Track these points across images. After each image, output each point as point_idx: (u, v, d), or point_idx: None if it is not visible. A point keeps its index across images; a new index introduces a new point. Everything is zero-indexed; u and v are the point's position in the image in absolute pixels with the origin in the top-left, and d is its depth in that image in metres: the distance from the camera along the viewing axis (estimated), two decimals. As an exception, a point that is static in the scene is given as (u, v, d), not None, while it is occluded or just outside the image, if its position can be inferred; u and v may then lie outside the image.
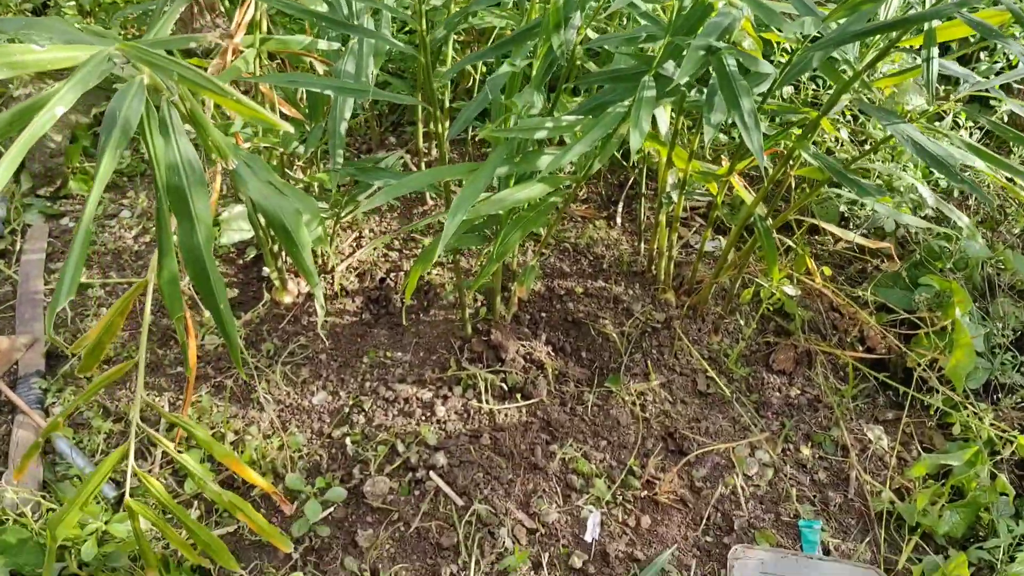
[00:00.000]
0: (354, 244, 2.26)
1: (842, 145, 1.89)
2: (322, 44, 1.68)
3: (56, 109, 0.82)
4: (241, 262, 2.23)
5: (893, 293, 1.92)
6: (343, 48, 1.64)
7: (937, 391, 1.75)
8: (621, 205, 2.34)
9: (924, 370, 1.78)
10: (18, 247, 2.25)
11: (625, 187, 2.40)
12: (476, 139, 2.50)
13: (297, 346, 1.98)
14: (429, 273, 2.16)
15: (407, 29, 2.42)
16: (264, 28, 1.71)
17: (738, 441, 1.77)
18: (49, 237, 2.29)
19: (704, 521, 1.66)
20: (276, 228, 1.30)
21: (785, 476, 1.74)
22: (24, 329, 2.05)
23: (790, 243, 1.87)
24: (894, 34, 1.39)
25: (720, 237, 2.25)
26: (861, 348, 1.94)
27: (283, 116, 1.94)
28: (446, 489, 1.69)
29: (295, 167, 2.01)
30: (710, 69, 1.39)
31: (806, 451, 1.78)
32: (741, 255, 1.85)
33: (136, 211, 2.36)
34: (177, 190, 1.10)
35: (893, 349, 1.86)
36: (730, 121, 1.40)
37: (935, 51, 1.41)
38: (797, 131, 1.63)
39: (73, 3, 2.56)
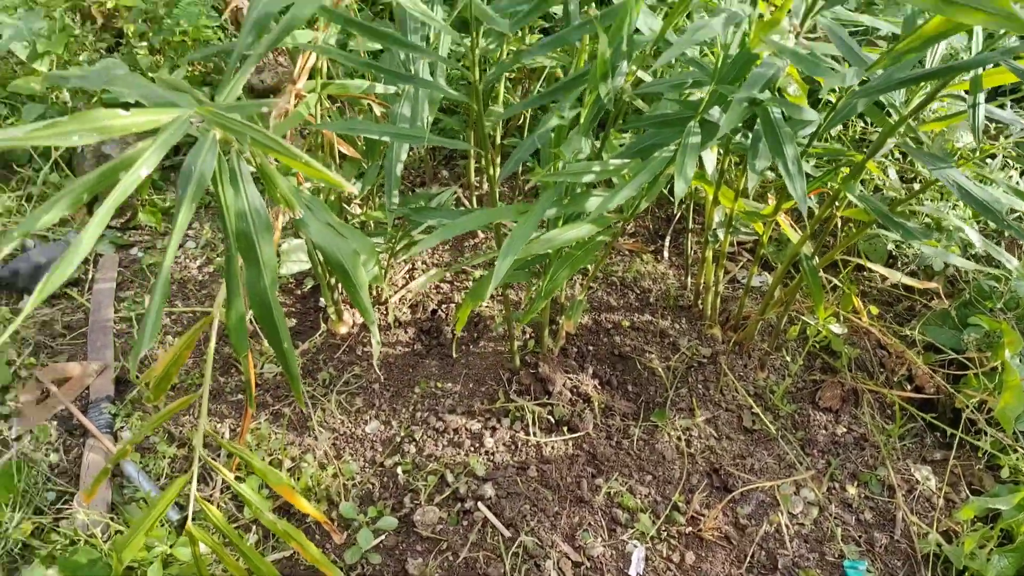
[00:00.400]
0: (407, 276, 2.33)
1: (888, 183, 1.90)
2: (379, 88, 1.76)
3: (141, 171, 0.89)
4: (299, 292, 2.32)
5: (942, 332, 1.92)
6: (399, 91, 1.71)
7: (986, 433, 1.74)
8: (668, 239, 2.37)
9: (973, 411, 1.77)
10: (90, 276, 2.37)
11: (672, 221, 2.43)
12: (525, 173, 2.56)
13: (352, 376, 2.05)
14: (479, 305, 2.22)
15: (461, 65, 2.49)
16: (324, 72, 1.80)
17: (783, 479, 1.79)
18: (119, 267, 2.41)
19: (748, 559, 1.67)
20: (335, 268, 1.37)
21: (830, 515, 1.74)
22: (95, 356, 2.15)
23: (836, 282, 1.88)
24: (939, 81, 1.40)
25: (766, 272, 2.26)
26: (909, 387, 1.93)
27: (341, 155, 2.03)
28: (494, 520, 1.73)
29: (352, 202, 2.09)
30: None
31: (852, 490, 1.79)
32: (787, 292, 1.87)
33: (200, 242, 2.47)
34: (245, 236, 1.17)
35: (941, 389, 1.85)
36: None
37: (982, 97, 1.43)
38: (844, 171, 1.65)
39: (145, 44, 2.70)
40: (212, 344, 1.40)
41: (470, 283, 2.29)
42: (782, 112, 1.37)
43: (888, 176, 1.80)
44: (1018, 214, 1.82)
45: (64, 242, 2.38)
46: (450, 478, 1.81)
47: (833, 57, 1.52)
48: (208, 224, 2.52)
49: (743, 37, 1.42)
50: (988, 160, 1.83)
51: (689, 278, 2.23)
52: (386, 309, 2.20)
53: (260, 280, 1.19)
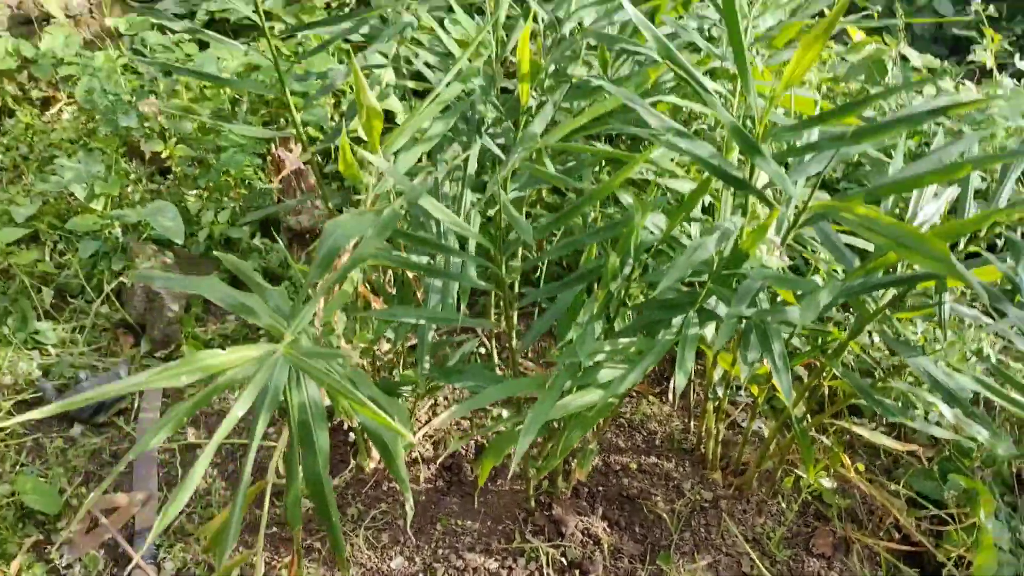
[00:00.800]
0: (430, 412, 2.51)
1: (874, 345, 2.09)
2: (413, 257, 1.97)
3: (237, 411, 1.08)
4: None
5: (926, 485, 2.07)
6: (432, 262, 1.93)
7: (967, 588, 1.88)
8: (672, 381, 2.55)
9: (954, 565, 1.92)
10: (136, 405, 2.56)
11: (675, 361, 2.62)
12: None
13: (378, 512, 2.21)
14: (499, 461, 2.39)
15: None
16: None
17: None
18: (163, 398, 2.59)
19: None
20: (375, 441, 1.55)
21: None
22: (140, 486, 2.32)
23: (826, 440, 2.06)
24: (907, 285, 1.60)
25: (763, 420, 2.44)
26: (897, 536, 2.08)
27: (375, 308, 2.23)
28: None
29: (385, 353, 2.29)
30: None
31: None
32: (782, 447, 2.04)
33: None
34: (304, 424, 1.36)
35: (925, 541, 2.00)
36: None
37: (947, 296, 1.63)
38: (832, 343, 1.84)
39: (194, 191, 2.94)
40: (265, 515, 1.57)
41: (488, 420, 2.46)
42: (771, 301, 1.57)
43: (873, 341, 1.99)
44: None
45: (115, 374, 2.57)
46: (469, 618, 1.95)
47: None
48: (246, 356, 2.71)
49: (735, 240, 1.62)
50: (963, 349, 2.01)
51: (692, 422, 2.40)
52: (410, 446, 2.38)
53: (315, 464, 1.37)
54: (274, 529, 2.20)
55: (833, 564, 2.07)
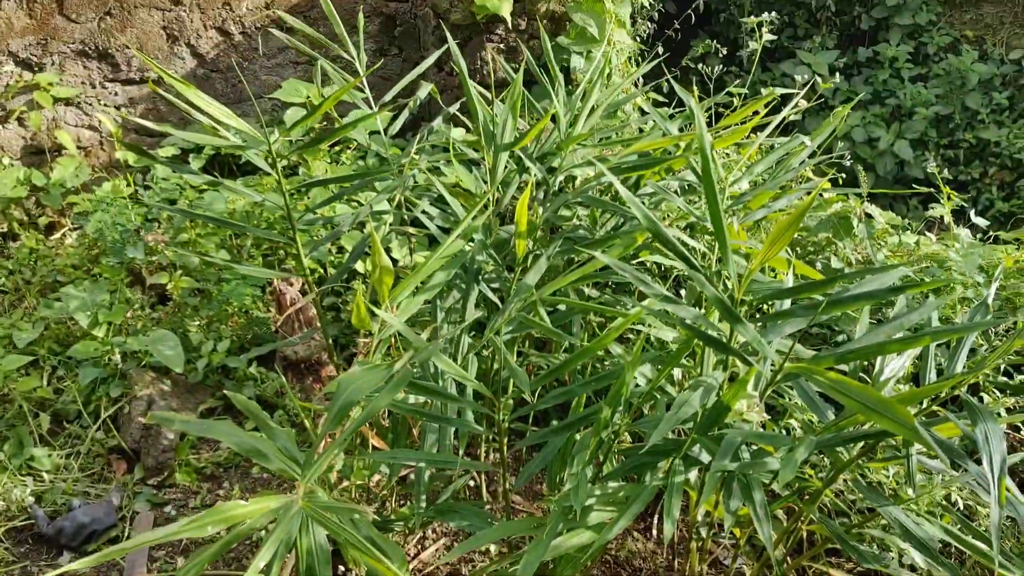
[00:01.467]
0: (418, 546, 2.55)
1: (847, 490, 2.20)
2: (411, 399, 2.08)
3: (260, 563, 1.16)
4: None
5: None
6: (429, 403, 2.03)
7: None
8: (656, 518, 2.62)
9: None
10: (126, 533, 2.58)
11: (659, 497, 2.69)
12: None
13: None
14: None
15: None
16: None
17: None
18: (155, 524, 2.62)
19: None
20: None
21: None
22: (127, 617, 2.33)
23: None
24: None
25: (747, 560, 2.51)
26: None
27: (373, 447, 2.32)
28: None
29: (378, 486, 2.35)
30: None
31: None
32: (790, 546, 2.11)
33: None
34: (311, 568, 1.43)
35: None
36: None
37: (914, 449, 1.75)
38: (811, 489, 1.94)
39: (196, 321, 3.04)
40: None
41: (476, 555, 2.51)
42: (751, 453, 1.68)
43: (848, 485, 2.10)
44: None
45: (107, 502, 2.61)
46: None
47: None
48: (238, 484, 2.76)
49: (717, 393, 1.75)
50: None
51: (676, 559, 2.46)
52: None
53: (320, 607, 1.43)
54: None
55: None
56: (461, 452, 2.01)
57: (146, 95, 4.03)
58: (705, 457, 1.83)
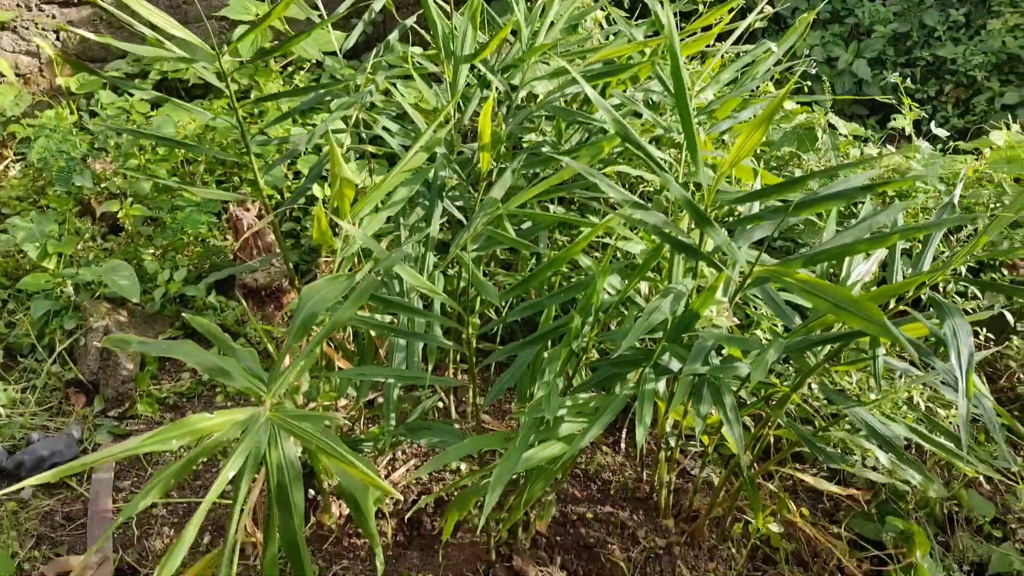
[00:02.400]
0: (388, 467, 2.55)
1: (813, 395, 2.23)
2: (378, 317, 2.04)
3: (229, 474, 1.13)
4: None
5: (865, 527, 2.20)
6: (396, 322, 2.00)
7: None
8: (625, 431, 2.65)
9: (894, 604, 2.03)
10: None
11: (628, 412, 2.71)
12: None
13: (340, 568, 2.23)
14: (452, 496, 2.44)
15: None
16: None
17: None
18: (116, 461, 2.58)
19: None
20: (347, 499, 1.59)
21: None
22: (92, 546, 2.30)
23: (771, 488, 2.17)
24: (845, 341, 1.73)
25: (714, 468, 2.55)
26: (840, 577, 2.19)
27: (339, 369, 2.28)
28: None
29: (345, 409, 2.33)
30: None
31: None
32: (732, 493, 2.14)
33: (194, 431, 2.66)
34: (281, 485, 1.40)
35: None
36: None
37: (881, 350, 1.76)
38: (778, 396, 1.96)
39: (151, 250, 2.95)
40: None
41: (446, 473, 2.51)
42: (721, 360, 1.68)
43: (813, 392, 2.13)
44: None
45: (68, 435, 2.55)
46: (433, 671, 1.98)
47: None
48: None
49: (686, 301, 1.74)
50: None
51: (644, 471, 2.49)
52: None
53: (291, 523, 1.42)
54: (235, 588, 2.20)
55: (782, 607, 2.17)
56: (429, 371, 1.98)
57: (86, 17, 3.83)
58: (675, 365, 1.82)
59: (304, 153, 2.39)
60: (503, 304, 1.66)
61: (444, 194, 2.11)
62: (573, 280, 2.16)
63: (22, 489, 2.46)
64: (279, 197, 3.19)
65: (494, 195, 1.97)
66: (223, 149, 3.00)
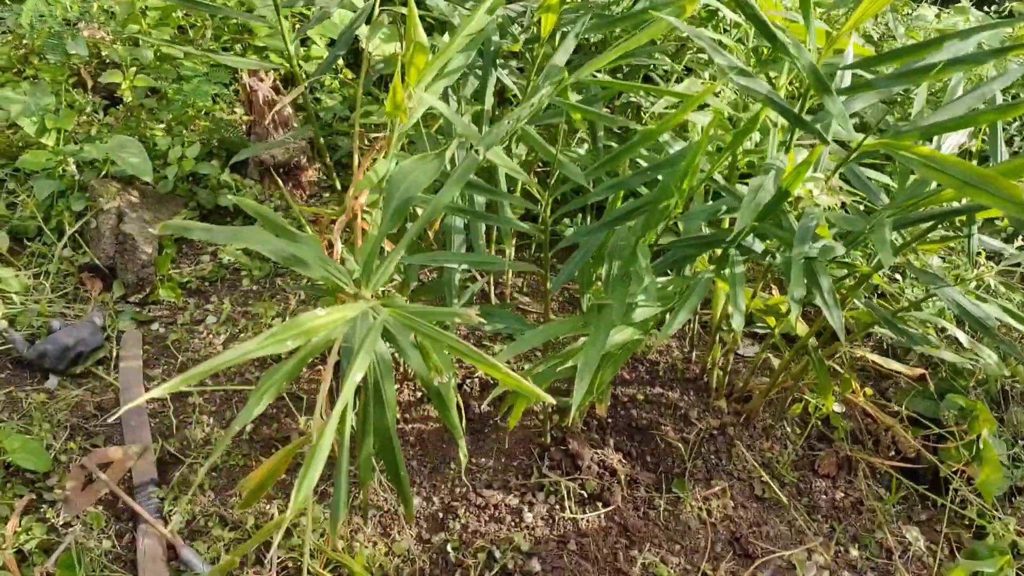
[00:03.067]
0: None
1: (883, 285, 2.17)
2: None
3: (357, 376, 1.03)
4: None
5: (923, 404, 2.18)
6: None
7: (969, 501, 2.01)
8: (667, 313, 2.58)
9: (954, 478, 2.03)
10: (115, 354, 2.43)
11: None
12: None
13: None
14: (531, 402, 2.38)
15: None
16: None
17: (796, 545, 2.01)
18: (144, 344, 2.47)
19: (772, 621, 1.89)
20: (431, 392, 1.51)
21: (838, 577, 1.98)
22: (133, 437, 2.22)
23: (836, 367, 2.13)
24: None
25: (754, 343, 2.50)
26: (896, 456, 2.19)
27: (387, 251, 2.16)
28: None
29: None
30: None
31: (855, 552, 2.03)
32: (794, 375, 2.10)
33: (221, 317, 2.55)
34: (375, 384, 1.31)
35: (925, 458, 2.11)
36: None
37: (975, 228, 1.68)
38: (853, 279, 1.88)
39: (161, 124, 2.75)
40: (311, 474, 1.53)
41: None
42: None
43: (882, 279, 2.06)
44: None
45: (90, 322, 2.43)
46: (497, 554, 1.97)
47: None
48: (227, 298, 2.60)
49: (776, 179, 1.62)
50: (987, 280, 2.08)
51: (693, 352, 2.44)
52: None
53: (384, 418, 1.34)
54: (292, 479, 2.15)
55: (838, 483, 2.17)
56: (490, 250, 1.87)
57: None
58: (758, 246, 1.73)
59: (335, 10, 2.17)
60: (588, 183, 1.53)
61: (497, 64, 1.94)
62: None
63: (46, 379, 2.36)
64: (287, 67, 2.97)
65: (557, 62, 1.81)
66: (235, 6, 2.74)
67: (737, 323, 1.50)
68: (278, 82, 2.69)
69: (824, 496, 2.14)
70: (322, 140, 2.28)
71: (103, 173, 2.69)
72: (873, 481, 2.18)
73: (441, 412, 1.53)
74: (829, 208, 1.53)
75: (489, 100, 1.92)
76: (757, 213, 1.39)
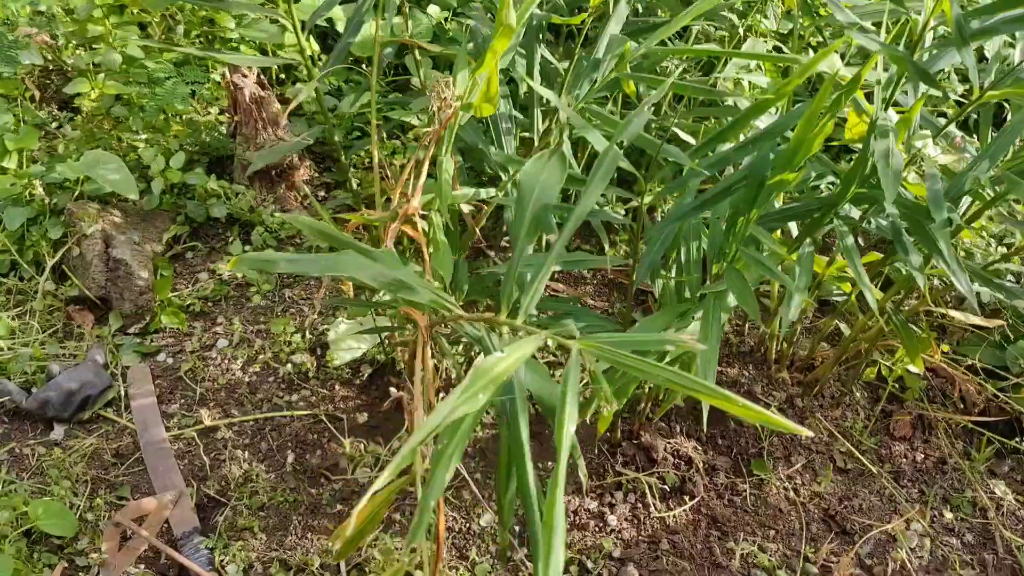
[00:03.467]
0: (468, 352, 2.31)
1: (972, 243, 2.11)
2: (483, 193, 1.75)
3: (569, 426, 0.88)
4: (359, 382, 2.26)
5: (993, 355, 2.14)
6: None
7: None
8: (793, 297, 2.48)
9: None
10: (122, 392, 2.20)
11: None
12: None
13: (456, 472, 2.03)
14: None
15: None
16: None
17: (889, 514, 1.95)
18: (154, 378, 2.24)
19: (885, 598, 1.82)
20: (546, 409, 1.37)
21: (940, 543, 1.92)
22: (163, 484, 2.02)
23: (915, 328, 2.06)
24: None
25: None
26: (971, 411, 2.14)
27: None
28: None
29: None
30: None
31: (948, 515, 1.97)
32: (868, 339, 2.02)
33: (234, 339, 2.34)
34: (514, 417, 1.17)
35: (1003, 409, 2.07)
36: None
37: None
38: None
39: (142, 137, 2.49)
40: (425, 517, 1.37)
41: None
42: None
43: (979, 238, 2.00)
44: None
45: (91, 361, 2.19)
46: (590, 564, 1.85)
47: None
48: (237, 318, 2.39)
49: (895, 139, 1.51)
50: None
51: (746, 325, 2.34)
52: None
53: (523, 456, 1.19)
54: (338, 507, 1.98)
55: (915, 445, 2.11)
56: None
57: None
58: (855, 213, 1.63)
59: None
60: (694, 159, 1.39)
61: (542, 37, 1.78)
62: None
63: (51, 430, 2.13)
64: (277, 59, 2.73)
65: (611, 31, 1.67)
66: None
67: (872, 301, 1.40)
68: (262, 77, 2.46)
69: (905, 459, 2.08)
70: (337, 139, 2.09)
71: (76, 194, 2.43)
72: (950, 439, 2.13)
73: (557, 432, 1.39)
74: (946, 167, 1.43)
75: (536, 79, 1.76)
76: (896, 181, 1.28)
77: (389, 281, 1.17)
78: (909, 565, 1.86)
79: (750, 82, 1.82)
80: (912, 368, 2.01)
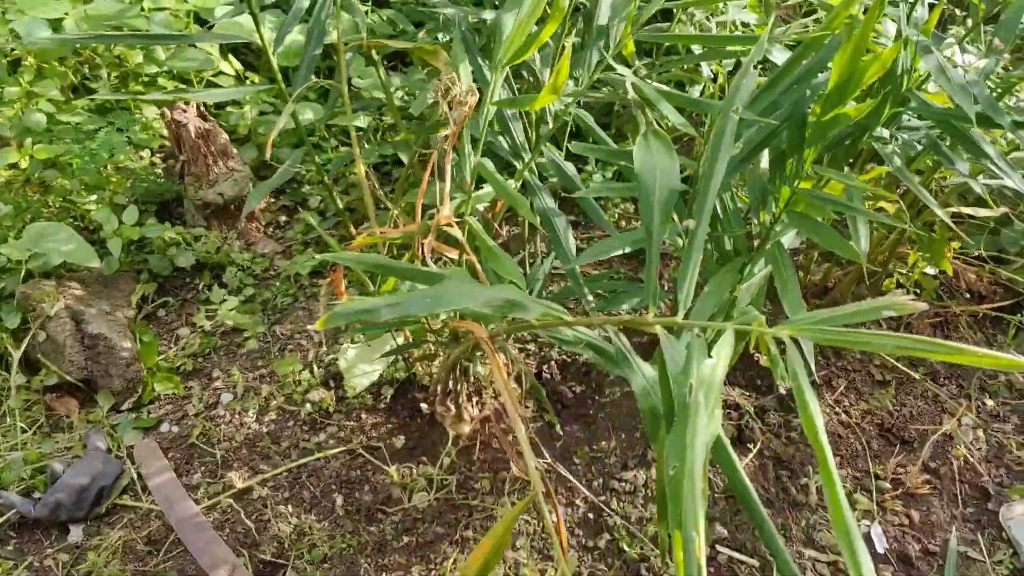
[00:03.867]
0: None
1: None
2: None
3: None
4: (383, 405, 2.16)
5: (986, 239, 2.21)
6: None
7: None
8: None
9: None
10: (135, 474, 2.04)
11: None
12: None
13: (512, 476, 1.97)
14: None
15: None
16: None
17: (938, 414, 2.00)
18: (164, 451, 2.08)
19: (959, 497, 1.87)
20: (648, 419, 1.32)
21: (992, 431, 1.98)
22: (210, 560, 1.88)
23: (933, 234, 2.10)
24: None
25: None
26: (979, 299, 2.22)
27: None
28: (738, 556, 1.79)
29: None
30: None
31: (989, 402, 2.04)
32: (886, 249, 2.05)
33: (238, 391, 2.19)
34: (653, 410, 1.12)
35: (1010, 293, 2.15)
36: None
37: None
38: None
39: (91, 200, 2.27)
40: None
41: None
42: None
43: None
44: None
45: (94, 449, 2.01)
46: (678, 533, 1.83)
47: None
48: (232, 368, 2.24)
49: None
50: None
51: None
52: (494, 392, 2.12)
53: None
54: (406, 539, 1.90)
55: (940, 342, 2.17)
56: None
57: None
58: (884, 133, 1.63)
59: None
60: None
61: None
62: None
63: (68, 533, 1.96)
64: (186, 88, 2.54)
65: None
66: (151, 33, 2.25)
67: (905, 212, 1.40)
68: (202, 109, 2.28)
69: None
70: (317, 160, 1.96)
71: (23, 274, 2.21)
72: (968, 330, 2.20)
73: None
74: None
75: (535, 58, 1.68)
76: (965, 93, 1.27)
77: (500, 303, 1.09)
78: (971, 458, 1.92)
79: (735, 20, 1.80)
80: (929, 270, 2.06)
